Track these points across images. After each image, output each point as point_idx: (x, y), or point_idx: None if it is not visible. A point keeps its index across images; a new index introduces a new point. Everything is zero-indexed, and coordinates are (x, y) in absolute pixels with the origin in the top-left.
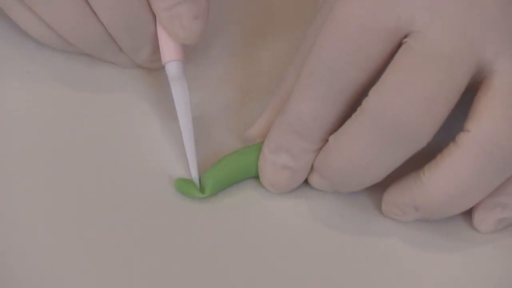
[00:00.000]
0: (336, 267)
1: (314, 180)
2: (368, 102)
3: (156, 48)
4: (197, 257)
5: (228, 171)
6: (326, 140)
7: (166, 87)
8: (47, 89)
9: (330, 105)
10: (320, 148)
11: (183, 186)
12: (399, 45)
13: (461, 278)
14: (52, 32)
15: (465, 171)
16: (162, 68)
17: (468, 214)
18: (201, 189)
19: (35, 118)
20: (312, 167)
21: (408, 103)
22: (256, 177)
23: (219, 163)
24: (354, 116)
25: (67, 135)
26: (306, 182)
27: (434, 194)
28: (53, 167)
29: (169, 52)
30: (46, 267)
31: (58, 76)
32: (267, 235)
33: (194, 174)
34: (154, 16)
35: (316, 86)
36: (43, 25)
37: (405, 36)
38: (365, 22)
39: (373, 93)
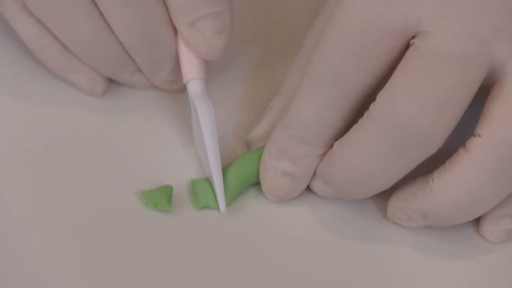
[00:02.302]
0: (339, 273)
1: (317, 186)
2: (376, 107)
3: (175, 68)
4: (197, 264)
5: (238, 182)
6: (329, 146)
7: (183, 110)
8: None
9: (334, 108)
10: (323, 154)
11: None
12: (407, 46)
13: (467, 285)
14: (61, 54)
15: (476, 178)
16: (180, 91)
17: (475, 219)
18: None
19: (29, 122)
20: (314, 173)
21: (418, 107)
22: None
23: (228, 173)
24: (360, 121)
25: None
26: (308, 187)
27: (443, 202)
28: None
29: (192, 69)
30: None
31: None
32: (268, 241)
33: (220, 194)
34: (175, 32)
35: (320, 88)
36: (53, 45)
37: (413, 37)
38: (370, 21)
39: (380, 97)
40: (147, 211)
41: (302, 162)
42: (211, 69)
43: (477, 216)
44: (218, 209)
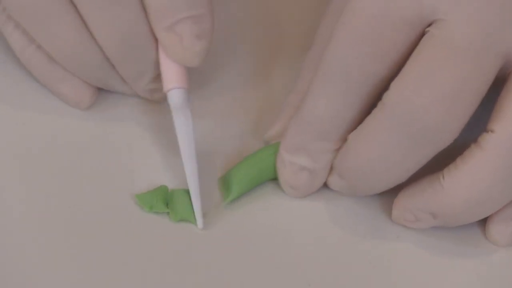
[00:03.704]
0: (340, 275)
1: (332, 180)
2: (388, 97)
3: (157, 76)
4: (196, 265)
5: (251, 175)
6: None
7: (167, 119)
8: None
9: (349, 101)
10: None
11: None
12: (422, 35)
13: (469, 285)
14: (46, 64)
15: (489, 176)
16: (164, 100)
17: (481, 219)
18: (226, 193)
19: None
20: (331, 167)
21: (431, 98)
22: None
23: (240, 165)
24: (373, 112)
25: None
26: None
27: (454, 200)
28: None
29: (172, 79)
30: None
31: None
32: (268, 242)
33: (197, 209)
34: (156, 39)
35: (334, 81)
36: (38, 55)
37: (428, 26)
38: (384, 10)
39: (393, 87)
40: (144, 212)
41: (320, 157)
42: (201, 78)
43: (487, 215)
44: (196, 224)
